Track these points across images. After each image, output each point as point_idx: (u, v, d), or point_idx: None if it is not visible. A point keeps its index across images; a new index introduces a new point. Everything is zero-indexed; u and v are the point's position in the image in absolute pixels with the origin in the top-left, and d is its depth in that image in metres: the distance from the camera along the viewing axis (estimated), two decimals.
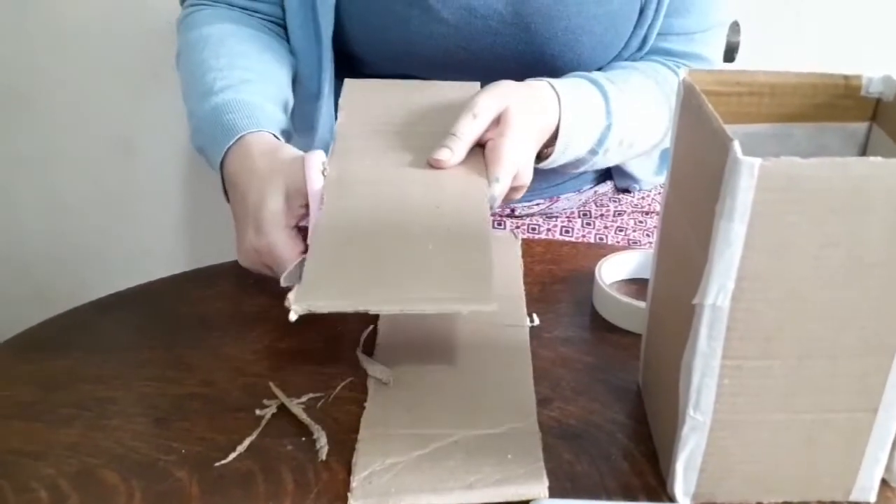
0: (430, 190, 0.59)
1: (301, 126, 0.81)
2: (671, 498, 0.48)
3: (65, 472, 0.49)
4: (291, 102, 0.76)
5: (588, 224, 0.86)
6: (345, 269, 0.51)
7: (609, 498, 0.48)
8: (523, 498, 0.48)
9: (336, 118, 0.82)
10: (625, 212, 0.88)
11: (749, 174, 0.38)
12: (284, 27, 0.80)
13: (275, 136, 0.67)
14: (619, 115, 0.72)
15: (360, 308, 0.48)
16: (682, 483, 0.47)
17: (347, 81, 0.72)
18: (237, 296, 0.66)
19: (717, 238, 0.40)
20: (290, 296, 0.49)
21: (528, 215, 0.86)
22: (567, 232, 0.85)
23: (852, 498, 0.48)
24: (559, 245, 0.76)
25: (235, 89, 0.69)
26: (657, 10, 0.77)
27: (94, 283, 1.48)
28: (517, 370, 0.58)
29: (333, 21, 0.76)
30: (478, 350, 0.60)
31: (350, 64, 0.80)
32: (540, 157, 0.70)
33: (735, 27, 1.00)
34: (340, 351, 0.60)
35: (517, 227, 0.85)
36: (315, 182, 0.59)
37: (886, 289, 0.41)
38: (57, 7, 1.37)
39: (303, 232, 0.61)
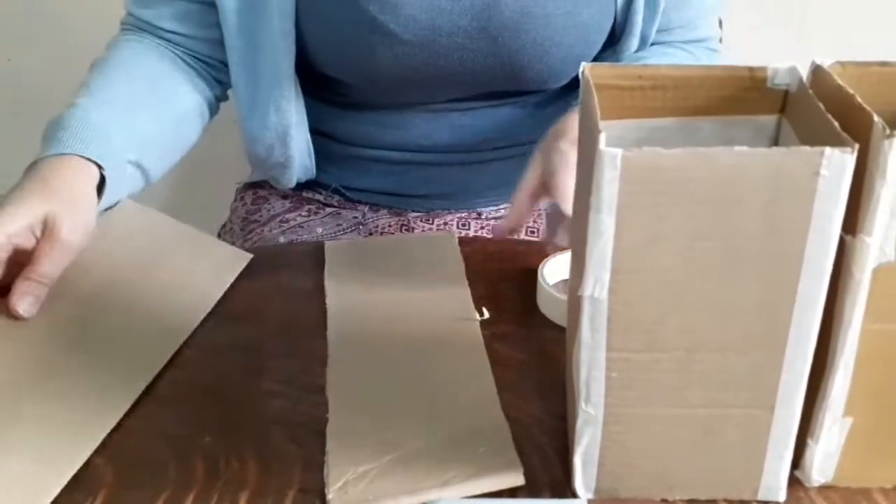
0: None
1: (279, 158, 0.82)
2: (574, 493, 0.48)
3: None
4: (168, 137, 0.76)
5: None
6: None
7: (513, 494, 0.48)
8: (499, 488, 0.48)
9: (310, 146, 0.84)
10: None
11: (612, 165, 0.38)
12: (219, 65, 0.81)
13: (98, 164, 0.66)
14: None
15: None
16: (582, 477, 0.47)
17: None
18: None
19: (589, 230, 0.40)
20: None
21: (494, 218, 0.86)
22: (532, 233, 0.85)
23: (761, 497, 0.47)
24: (514, 244, 0.76)
25: (86, 106, 0.70)
26: (654, 9, 0.77)
27: None
28: (474, 363, 0.59)
29: (295, 52, 0.77)
30: (433, 347, 0.60)
31: (321, 84, 0.81)
32: None
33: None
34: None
35: (482, 229, 0.85)
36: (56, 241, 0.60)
37: (765, 283, 0.40)
38: (69, 15, 1.42)
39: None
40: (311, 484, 0.49)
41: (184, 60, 0.79)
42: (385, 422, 0.53)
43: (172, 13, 0.78)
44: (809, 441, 0.47)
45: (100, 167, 0.66)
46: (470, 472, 0.48)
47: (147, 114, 0.74)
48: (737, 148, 0.37)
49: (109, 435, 0.52)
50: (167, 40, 0.79)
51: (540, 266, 0.67)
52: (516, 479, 0.48)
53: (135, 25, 0.80)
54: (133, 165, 0.71)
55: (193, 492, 0.48)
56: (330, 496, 0.47)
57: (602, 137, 0.38)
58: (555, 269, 0.68)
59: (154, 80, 0.76)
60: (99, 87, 0.73)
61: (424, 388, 0.56)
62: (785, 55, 0.52)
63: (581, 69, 0.47)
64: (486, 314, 0.64)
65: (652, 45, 0.81)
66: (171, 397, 0.56)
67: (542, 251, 0.73)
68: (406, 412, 0.54)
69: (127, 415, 0.54)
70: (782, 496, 0.47)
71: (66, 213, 0.62)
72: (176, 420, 0.54)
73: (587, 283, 0.41)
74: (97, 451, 0.51)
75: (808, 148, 0.37)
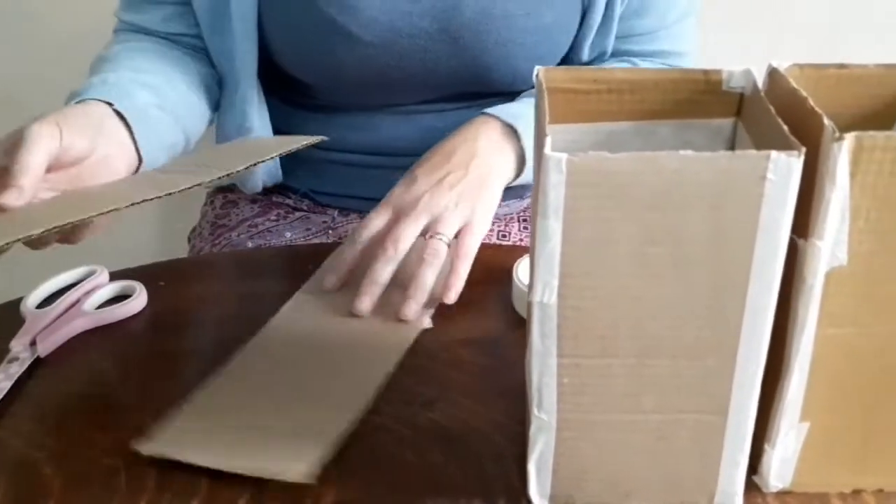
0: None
1: None
2: (529, 501, 0.47)
3: None
4: (177, 101, 0.76)
5: (525, 229, 0.86)
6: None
7: (469, 500, 0.48)
8: (281, 478, 0.47)
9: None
10: None
11: (557, 169, 0.37)
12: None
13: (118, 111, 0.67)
14: None
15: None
16: (537, 485, 0.46)
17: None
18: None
19: (536, 235, 0.39)
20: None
21: None
22: (504, 237, 0.85)
23: (717, 502, 0.47)
24: (482, 248, 0.75)
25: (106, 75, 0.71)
26: (610, 18, 0.76)
27: None
28: (373, 369, 0.58)
29: (257, 54, 0.77)
30: (352, 348, 0.60)
31: (289, 86, 0.81)
32: None
33: None
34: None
35: None
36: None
37: (715, 288, 0.40)
38: (54, 17, 1.41)
39: None
40: (264, 490, 0.48)
41: (187, 52, 0.81)
42: (243, 408, 0.54)
43: (163, 16, 0.79)
44: (766, 446, 0.46)
45: (110, 104, 0.66)
46: (267, 455, 0.49)
47: (162, 78, 0.74)
48: (682, 152, 0.37)
49: (63, 448, 0.52)
50: (165, 39, 0.80)
51: (515, 265, 0.66)
52: (299, 474, 0.47)
53: (129, 30, 0.81)
54: (157, 108, 0.70)
55: (144, 500, 0.47)
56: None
57: (548, 141, 0.38)
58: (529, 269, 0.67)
59: (160, 54, 0.77)
60: (108, 67, 0.73)
61: (305, 384, 0.56)
62: (757, 55, 0.52)
63: (535, 72, 0.47)
64: (430, 324, 0.63)
65: (611, 57, 0.81)
66: (124, 405, 0.55)
67: (510, 255, 0.73)
68: (271, 403, 0.54)
69: (77, 423, 0.53)
70: (739, 502, 0.47)
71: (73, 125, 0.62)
72: (128, 428, 0.53)
73: (536, 288, 0.40)
74: (46, 460, 0.50)
75: (754, 152, 0.37)
